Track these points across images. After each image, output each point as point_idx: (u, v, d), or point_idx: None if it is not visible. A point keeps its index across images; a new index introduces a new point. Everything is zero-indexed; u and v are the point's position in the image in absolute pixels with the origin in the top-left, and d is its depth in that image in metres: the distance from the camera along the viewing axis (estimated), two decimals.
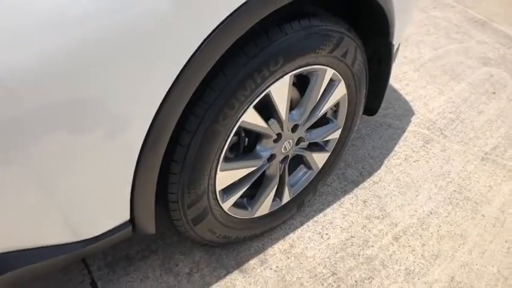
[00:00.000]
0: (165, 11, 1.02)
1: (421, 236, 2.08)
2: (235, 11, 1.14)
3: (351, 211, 2.14)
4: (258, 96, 1.43)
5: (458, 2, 4.13)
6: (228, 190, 1.66)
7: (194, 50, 1.12)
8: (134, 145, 1.17)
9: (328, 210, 2.14)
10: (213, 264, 1.89)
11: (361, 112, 1.95)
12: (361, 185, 2.27)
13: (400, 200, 2.21)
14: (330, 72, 1.62)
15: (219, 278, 1.86)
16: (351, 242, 2.02)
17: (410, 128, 2.63)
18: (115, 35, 0.97)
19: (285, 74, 1.45)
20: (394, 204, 2.19)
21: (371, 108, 2.05)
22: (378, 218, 2.11)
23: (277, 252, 1.96)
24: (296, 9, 1.43)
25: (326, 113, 1.87)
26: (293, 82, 1.52)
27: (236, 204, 1.75)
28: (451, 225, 2.14)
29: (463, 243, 2.07)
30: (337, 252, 1.98)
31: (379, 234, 2.06)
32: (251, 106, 1.43)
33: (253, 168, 1.66)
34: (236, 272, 1.88)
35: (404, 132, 2.60)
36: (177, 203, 1.51)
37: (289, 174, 1.94)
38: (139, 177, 1.24)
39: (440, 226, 2.13)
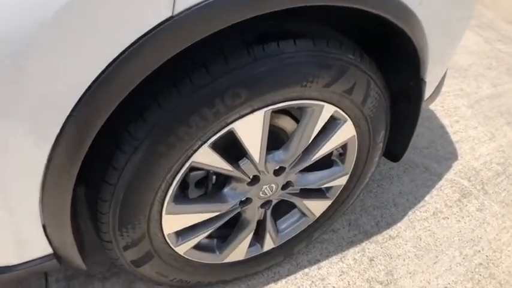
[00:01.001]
0: None
1: None
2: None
3: (352, 269, 1.75)
4: (215, 134, 1.08)
5: None
6: (185, 233, 1.34)
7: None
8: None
9: (325, 262, 1.76)
10: None
11: (376, 158, 1.55)
12: (373, 238, 1.86)
13: (413, 265, 1.79)
14: (329, 109, 1.24)
15: None
16: None
17: (449, 175, 2.17)
18: None
19: (256, 110, 1.09)
20: (405, 270, 1.77)
21: (394, 153, 1.64)
22: (381, 284, 1.71)
23: None
24: (277, 27, 1.07)
25: (331, 153, 1.49)
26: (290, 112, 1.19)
27: (199, 247, 1.43)
28: None
29: None
30: None
31: None
32: (205, 145, 1.09)
33: (217, 213, 1.32)
34: None
35: (440, 179, 2.15)
36: (111, 243, 1.22)
37: (279, 218, 1.58)
38: (45, 212, 1.02)
39: None
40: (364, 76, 1.23)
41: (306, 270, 1.73)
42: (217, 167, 1.18)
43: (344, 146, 1.44)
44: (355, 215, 1.94)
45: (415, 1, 1.14)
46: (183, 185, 1.32)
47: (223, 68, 0.98)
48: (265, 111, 1.11)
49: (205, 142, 1.09)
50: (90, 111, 0.85)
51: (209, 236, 1.44)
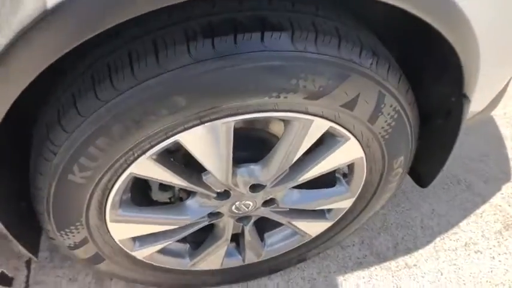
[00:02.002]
0: None
1: None
2: None
3: None
4: (154, 146, 0.84)
5: None
6: (144, 239, 1.14)
7: None
8: None
9: (322, 283, 1.51)
10: None
11: (393, 184, 1.24)
12: (386, 264, 1.58)
13: None
14: (321, 125, 0.95)
15: None
16: None
17: (495, 199, 1.80)
18: None
19: (208, 121, 0.84)
20: None
21: (421, 178, 1.33)
22: None
23: None
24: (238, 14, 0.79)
25: (335, 170, 1.21)
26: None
27: (166, 252, 1.24)
28: None
29: None
30: None
31: None
32: (143, 156, 0.85)
33: (174, 226, 1.10)
34: None
35: (484, 203, 1.79)
36: (54, 240, 1.05)
37: (267, 230, 1.34)
38: None
39: None
40: (373, 87, 0.92)
41: None
42: (165, 181, 0.94)
43: (350, 165, 1.16)
44: (371, 232, 1.65)
45: None
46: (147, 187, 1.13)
47: (153, 69, 0.73)
48: (223, 123, 0.85)
49: (141, 154, 0.85)
50: None
51: (183, 240, 1.24)
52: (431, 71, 1.10)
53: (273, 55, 0.78)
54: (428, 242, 1.65)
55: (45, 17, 0.59)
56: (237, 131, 0.89)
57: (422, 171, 1.30)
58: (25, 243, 1.05)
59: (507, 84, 1.38)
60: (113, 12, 0.62)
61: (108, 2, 0.60)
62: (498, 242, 1.67)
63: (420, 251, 1.63)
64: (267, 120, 1.07)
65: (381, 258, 1.59)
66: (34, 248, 1.13)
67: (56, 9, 0.58)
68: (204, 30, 0.74)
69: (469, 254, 1.63)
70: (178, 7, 0.68)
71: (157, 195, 1.12)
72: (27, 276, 1.54)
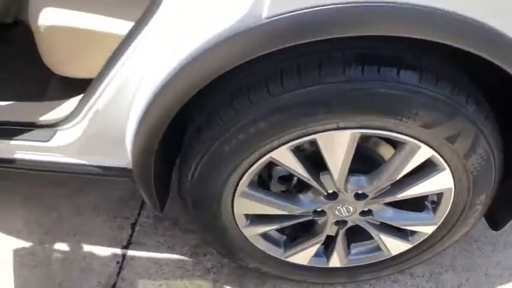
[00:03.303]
0: None
1: None
2: None
3: None
4: (295, 138, 1.08)
5: None
6: (255, 219, 1.37)
7: None
8: None
9: None
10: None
11: (472, 220, 1.40)
12: None
13: None
14: (426, 152, 1.15)
15: None
16: None
17: None
18: None
19: (341, 128, 1.06)
20: None
21: (495, 220, 1.47)
22: None
23: None
24: (383, 51, 1.02)
25: (427, 196, 1.39)
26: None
27: (266, 237, 1.45)
28: None
29: None
30: None
31: None
32: (284, 146, 1.09)
33: (285, 212, 1.31)
34: None
35: None
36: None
37: (354, 241, 1.52)
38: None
39: None
40: (473, 129, 1.11)
41: None
42: (294, 171, 1.17)
43: (439, 195, 1.33)
44: (440, 268, 1.78)
45: None
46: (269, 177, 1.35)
47: (316, 79, 0.97)
48: (352, 133, 1.07)
49: (285, 143, 1.09)
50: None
51: (281, 231, 1.45)
52: None
53: (404, 87, 1.00)
54: None
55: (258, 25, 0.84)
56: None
57: (498, 213, 1.43)
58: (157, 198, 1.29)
59: None
60: (304, 33, 0.87)
61: (309, 26, 0.85)
62: None
63: None
64: (378, 142, 1.27)
65: None
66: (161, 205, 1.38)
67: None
68: (357, 58, 0.98)
69: None
70: (343, 38, 0.92)
71: (275, 186, 1.33)
72: (131, 236, 1.78)
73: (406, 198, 1.29)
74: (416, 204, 1.38)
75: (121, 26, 1.41)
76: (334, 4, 0.84)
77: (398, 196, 1.28)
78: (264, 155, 1.12)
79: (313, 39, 0.88)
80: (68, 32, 1.45)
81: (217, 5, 0.93)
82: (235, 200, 1.26)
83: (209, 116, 1.11)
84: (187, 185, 1.24)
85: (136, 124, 1.11)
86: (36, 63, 1.60)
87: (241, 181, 1.20)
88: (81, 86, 1.52)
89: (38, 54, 1.57)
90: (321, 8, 0.84)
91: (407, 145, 1.13)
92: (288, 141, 1.08)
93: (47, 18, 1.45)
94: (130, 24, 1.34)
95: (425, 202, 1.39)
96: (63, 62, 1.55)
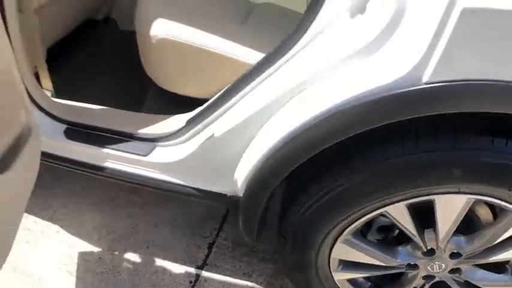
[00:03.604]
0: None
1: None
2: None
3: None
4: (415, 197, 1.13)
5: None
6: (348, 265, 1.40)
7: None
8: None
9: None
10: None
11: None
12: None
13: None
14: None
15: None
16: None
17: None
18: None
19: (461, 193, 1.10)
20: None
21: None
22: None
23: None
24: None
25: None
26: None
27: (354, 283, 1.47)
28: None
29: None
30: None
31: None
32: (402, 202, 1.12)
33: (379, 263, 1.32)
34: None
35: None
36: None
37: None
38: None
39: None
40: None
41: None
42: (403, 225, 1.20)
43: None
44: None
45: None
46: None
47: (451, 144, 1.03)
48: (469, 197, 1.11)
49: (404, 200, 1.12)
50: None
51: (367, 278, 1.47)
52: None
53: None
54: None
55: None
56: None
57: None
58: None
59: None
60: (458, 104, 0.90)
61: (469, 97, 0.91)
62: None
63: None
64: (479, 204, 1.26)
65: None
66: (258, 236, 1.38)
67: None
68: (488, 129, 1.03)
69: None
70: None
71: (372, 235, 1.35)
72: (207, 256, 1.72)
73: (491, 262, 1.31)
74: (497, 266, 1.39)
75: (237, 50, 1.40)
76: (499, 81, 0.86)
77: (489, 259, 1.30)
78: (380, 207, 1.14)
79: (470, 111, 0.90)
80: (181, 47, 1.43)
81: (373, 62, 0.95)
82: (335, 245, 1.29)
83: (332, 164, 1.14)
84: (292, 224, 1.25)
85: (258, 160, 1.13)
86: (133, 68, 1.57)
87: (348, 228, 1.24)
88: (181, 102, 1.51)
89: (133, 57, 1.54)
90: (485, 82, 0.85)
91: (509, 214, 1.17)
92: (407, 199, 1.10)
93: (161, 29, 1.43)
94: (247, 50, 1.32)
95: (507, 265, 1.39)
96: (169, 76, 1.53)
